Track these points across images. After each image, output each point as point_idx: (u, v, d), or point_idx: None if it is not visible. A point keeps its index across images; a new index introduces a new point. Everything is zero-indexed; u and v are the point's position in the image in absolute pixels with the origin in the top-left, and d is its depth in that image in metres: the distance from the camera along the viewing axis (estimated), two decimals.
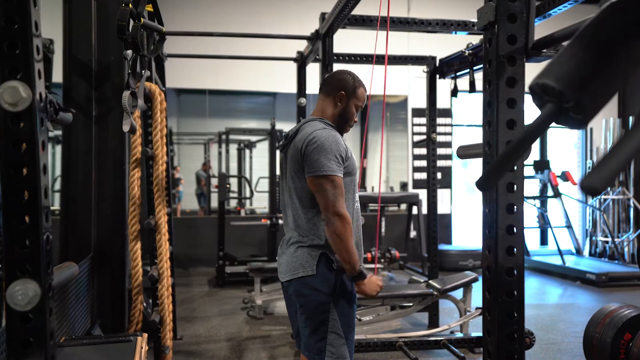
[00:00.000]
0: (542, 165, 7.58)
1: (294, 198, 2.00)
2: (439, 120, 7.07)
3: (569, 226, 7.36)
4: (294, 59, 4.27)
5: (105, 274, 3.28)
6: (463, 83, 4.25)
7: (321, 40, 3.34)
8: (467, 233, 8.61)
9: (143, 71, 2.16)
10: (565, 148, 9.05)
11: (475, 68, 3.72)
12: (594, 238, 7.80)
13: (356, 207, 2.07)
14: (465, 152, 1.57)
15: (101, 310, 3.28)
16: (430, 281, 3.87)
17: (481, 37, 3.46)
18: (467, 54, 3.72)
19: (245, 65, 7.47)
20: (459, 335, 3.50)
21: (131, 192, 2.95)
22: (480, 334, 3.52)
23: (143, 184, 3.20)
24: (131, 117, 2.04)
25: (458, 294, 3.83)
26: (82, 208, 3.22)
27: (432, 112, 4.34)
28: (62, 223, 3.23)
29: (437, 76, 4.33)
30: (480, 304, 3.67)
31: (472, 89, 3.74)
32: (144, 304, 3.57)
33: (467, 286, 3.77)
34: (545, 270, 7.01)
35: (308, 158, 1.90)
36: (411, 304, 3.81)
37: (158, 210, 3.03)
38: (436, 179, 4.33)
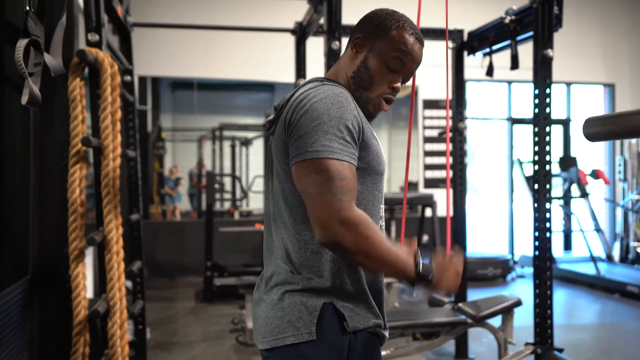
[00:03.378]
0: (568, 162, 6.83)
1: (281, 206, 1.21)
2: (451, 113, 6.32)
3: (598, 229, 6.60)
4: (292, 31, 3.52)
5: (49, 301, 2.56)
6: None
7: (326, 0, 2.59)
8: (477, 237, 7.94)
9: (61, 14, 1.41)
10: (591, 144, 8.31)
11: (518, 38, 2.96)
12: (623, 242, 7.04)
13: (379, 227, 1.23)
14: (610, 129, 0.81)
15: (44, 347, 2.56)
16: (460, 305, 3.12)
17: None
18: (507, 21, 2.96)
19: (240, 51, 6.73)
20: None
21: (70, 197, 2.21)
22: None
23: (95, 186, 2.47)
24: (30, 81, 1.29)
25: (495, 321, 3.09)
26: (17, 216, 2.49)
27: (459, 96, 3.57)
28: None
29: (465, 53, 3.57)
30: (526, 336, 2.96)
31: (515, 64, 2.98)
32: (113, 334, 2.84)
33: (507, 312, 3.03)
34: (573, 280, 6.25)
35: (293, 133, 1.12)
36: (434, 329, 3.08)
37: (108, 220, 2.28)
38: (464, 176, 3.58)
